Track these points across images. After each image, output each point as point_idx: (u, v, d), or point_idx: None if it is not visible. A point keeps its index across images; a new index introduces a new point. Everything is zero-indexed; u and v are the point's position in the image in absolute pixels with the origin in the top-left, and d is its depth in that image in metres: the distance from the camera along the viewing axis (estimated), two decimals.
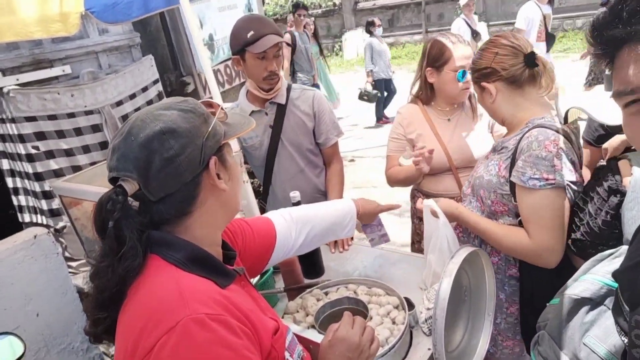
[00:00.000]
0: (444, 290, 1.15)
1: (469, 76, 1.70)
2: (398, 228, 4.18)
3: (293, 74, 6.22)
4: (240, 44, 1.84)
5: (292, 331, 0.98)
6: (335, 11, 14.12)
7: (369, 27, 6.98)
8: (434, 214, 1.40)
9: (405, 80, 8.84)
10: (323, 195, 2.09)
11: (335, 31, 14.17)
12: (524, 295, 1.46)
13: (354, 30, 13.34)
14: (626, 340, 0.68)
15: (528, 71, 1.37)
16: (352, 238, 2.17)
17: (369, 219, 1.53)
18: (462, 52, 1.76)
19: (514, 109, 1.42)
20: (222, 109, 0.93)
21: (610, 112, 1.13)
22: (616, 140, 1.51)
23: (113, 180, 0.83)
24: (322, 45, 7.23)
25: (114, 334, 0.81)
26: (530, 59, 1.36)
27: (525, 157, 1.30)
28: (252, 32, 1.80)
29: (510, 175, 1.36)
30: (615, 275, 0.79)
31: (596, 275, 1.05)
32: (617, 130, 1.44)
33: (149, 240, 0.82)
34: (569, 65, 8.16)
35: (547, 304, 1.23)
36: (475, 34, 6.44)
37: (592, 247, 1.22)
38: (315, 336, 1.16)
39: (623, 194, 1.15)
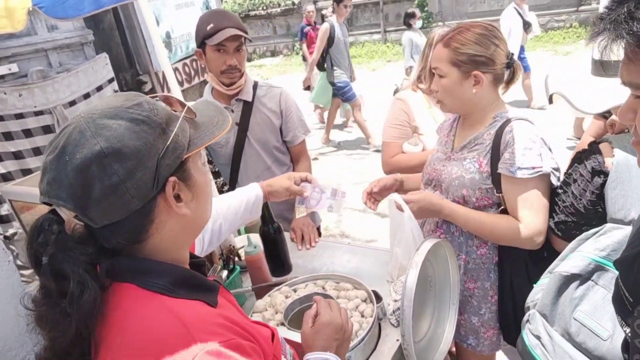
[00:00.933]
0: (411, 282, 1.17)
1: None
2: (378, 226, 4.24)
3: (331, 66, 5.60)
4: (201, 36, 1.83)
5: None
6: (295, 10, 14.09)
7: (408, 20, 6.07)
8: (399, 207, 1.42)
9: (367, 80, 8.98)
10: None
11: (295, 30, 14.13)
12: (503, 281, 1.51)
13: None
14: (628, 330, 0.69)
15: (506, 71, 1.46)
16: (319, 234, 2.18)
17: (280, 196, 1.50)
18: None
19: (488, 104, 1.47)
20: (188, 107, 0.78)
21: (590, 101, 1.17)
22: None
23: (47, 203, 0.70)
24: (282, 45, 7.02)
25: None
26: (511, 61, 1.44)
27: (512, 150, 1.35)
28: (211, 25, 1.79)
29: (493, 169, 1.41)
30: (617, 263, 0.81)
31: (583, 252, 1.09)
32: None
33: (114, 268, 0.71)
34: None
35: (535, 285, 1.27)
36: (527, 25, 5.97)
37: (576, 228, 1.25)
38: (296, 337, 1.14)
39: (606, 175, 1.19)
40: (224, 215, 1.36)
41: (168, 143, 0.71)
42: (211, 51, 1.83)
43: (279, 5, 14.57)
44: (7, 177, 2.82)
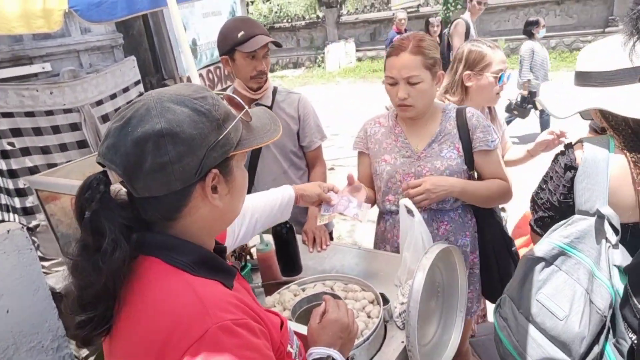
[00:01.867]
0: (418, 283, 1.19)
1: (505, 80, 1.95)
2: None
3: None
4: (230, 44, 1.87)
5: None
6: (319, 23, 14.30)
7: (530, 28, 5.49)
8: (410, 212, 1.44)
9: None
10: None
11: (318, 43, 14.33)
12: (484, 246, 1.79)
13: (336, 42, 13.53)
14: (634, 337, 0.71)
15: None
16: (331, 238, 2.21)
17: (309, 201, 1.52)
18: (500, 57, 1.94)
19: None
20: (246, 110, 0.84)
21: (561, 106, 1.26)
22: None
23: (101, 164, 0.77)
24: (305, 57, 7.06)
25: (101, 336, 0.77)
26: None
27: (481, 129, 1.67)
28: (242, 32, 1.84)
29: (466, 151, 1.67)
30: (627, 270, 0.83)
31: (549, 238, 1.17)
32: None
33: (143, 241, 0.76)
34: None
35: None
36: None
37: (553, 224, 1.29)
38: (302, 329, 1.17)
39: (576, 169, 1.25)
40: (261, 211, 1.39)
41: (220, 138, 0.76)
42: (242, 58, 1.88)
43: (304, 18, 14.81)
44: (33, 171, 2.94)
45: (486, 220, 1.80)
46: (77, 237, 0.76)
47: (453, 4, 11.87)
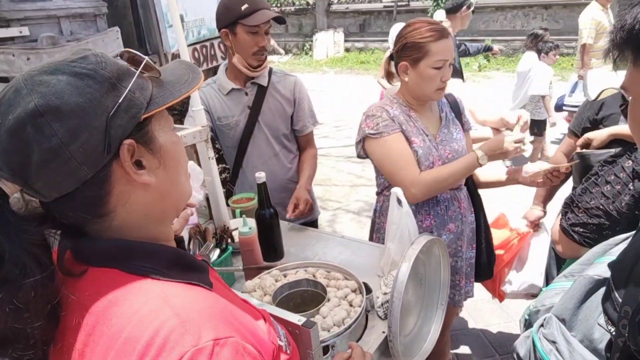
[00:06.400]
0: (403, 274, 1.17)
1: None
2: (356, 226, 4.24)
3: None
4: (234, 17, 1.80)
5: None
6: (309, 10, 14.12)
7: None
8: (400, 202, 1.43)
9: (372, 85, 9.01)
10: (294, 183, 2.08)
11: (306, 30, 14.17)
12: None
13: (325, 31, 13.40)
14: (613, 330, 0.69)
15: None
16: (315, 226, 2.18)
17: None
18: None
19: None
20: (147, 61, 0.68)
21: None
22: (603, 133, 1.62)
23: None
24: (292, 44, 6.80)
25: None
26: None
27: (465, 113, 1.90)
28: (246, 5, 1.78)
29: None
30: (611, 265, 0.82)
31: (614, 257, 1.02)
32: (601, 124, 1.68)
33: (83, 253, 0.64)
34: None
35: (543, 290, 1.24)
36: None
37: (596, 232, 1.22)
38: (290, 316, 1.12)
39: None
40: None
41: (120, 101, 0.61)
42: (244, 32, 1.82)
43: (294, 4, 14.60)
44: None
45: (476, 197, 1.94)
46: None
47: (443, 0, 11.90)
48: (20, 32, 2.79)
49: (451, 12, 4.15)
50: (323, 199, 4.77)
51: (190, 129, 1.58)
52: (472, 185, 1.94)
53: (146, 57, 0.68)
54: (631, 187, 1.19)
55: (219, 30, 1.89)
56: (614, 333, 0.70)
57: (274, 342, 0.73)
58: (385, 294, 1.34)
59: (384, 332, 1.27)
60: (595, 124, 1.74)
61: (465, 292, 1.93)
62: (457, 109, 1.85)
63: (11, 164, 0.58)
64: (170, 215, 0.75)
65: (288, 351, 0.78)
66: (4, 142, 0.58)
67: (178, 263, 0.67)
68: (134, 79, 0.64)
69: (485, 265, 1.98)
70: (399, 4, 12.61)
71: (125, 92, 0.62)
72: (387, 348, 1.22)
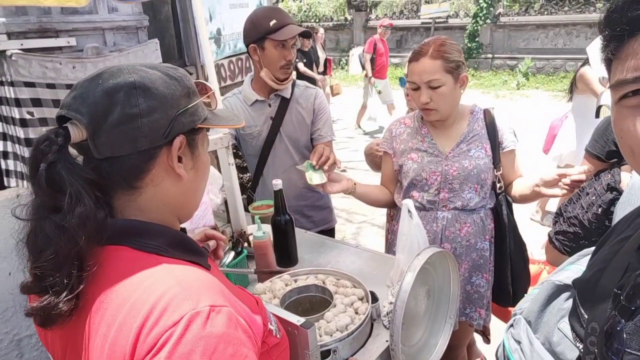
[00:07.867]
0: (407, 283, 1.18)
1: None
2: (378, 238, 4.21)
3: None
4: (262, 32, 1.88)
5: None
6: (346, 26, 14.31)
7: None
8: (410, 214, 1.44)
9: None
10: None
11: (343, 45, 14.35)
12: (501, 249, 1.80)
13: (362, 46, 13.50)
14: (581, 347, 0.69)
15: None
16: (333, 235, 2.20)
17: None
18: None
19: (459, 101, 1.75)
20: (213, 94, 0.87)
21: None
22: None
23: (61, 120, 0.70)
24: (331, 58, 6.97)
25: (64, 316, 0.67)
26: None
27: (506, 129, 1.77)
28: (274, 21, 1.86)
29: (494, 151, 1.72)
30: (575, 283, 0.82)
31: (581, 266, 1.05)
32: None
33: (108, 229, 0.70)
34: None
35: (526, 294, 1.26)
36: None
37: (574, 241, 1.24)
38: (290, 317, 1.14)
39: (619, 192, 1.18)
40: None
41: (189, 106, 0.77)
42: (272, 46, 1.89)
43: (332, 19, 14.84)
44: None
45: (503, 223, 1.78)
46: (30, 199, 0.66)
47: (482, 17, 11.78)
48: (68, 42, 2.99)
49: None
50: (349, 211, 4.78)
51: (212, 136, 1.65)
52: (506, 210, 1.78)
53: (213, 89, 0.89)
54: (603, 199, 1.21)
55: (247, 46, 1.96)
56: (582, 350, 0.69)
57: (265, 324, 0.79)
58: (390, 303, 1.35)
59: (387, 340, 1.28)
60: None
61: (474, 318, 1.84)
62: (493, 126, 1.73)
63: (93, 113, 0.69)
64: (182, 213, 0.84)
65: (278, 335, 0.83)
66: (97, 96, 0.69)
67: (181, 244, 0.76)
68: (201, 98, 0.81)
69: (508, 288, 1.82)
70: (437, 20, 12.58)
71: (195, 102, 0.78)
72: (389, 357, 1.22)
